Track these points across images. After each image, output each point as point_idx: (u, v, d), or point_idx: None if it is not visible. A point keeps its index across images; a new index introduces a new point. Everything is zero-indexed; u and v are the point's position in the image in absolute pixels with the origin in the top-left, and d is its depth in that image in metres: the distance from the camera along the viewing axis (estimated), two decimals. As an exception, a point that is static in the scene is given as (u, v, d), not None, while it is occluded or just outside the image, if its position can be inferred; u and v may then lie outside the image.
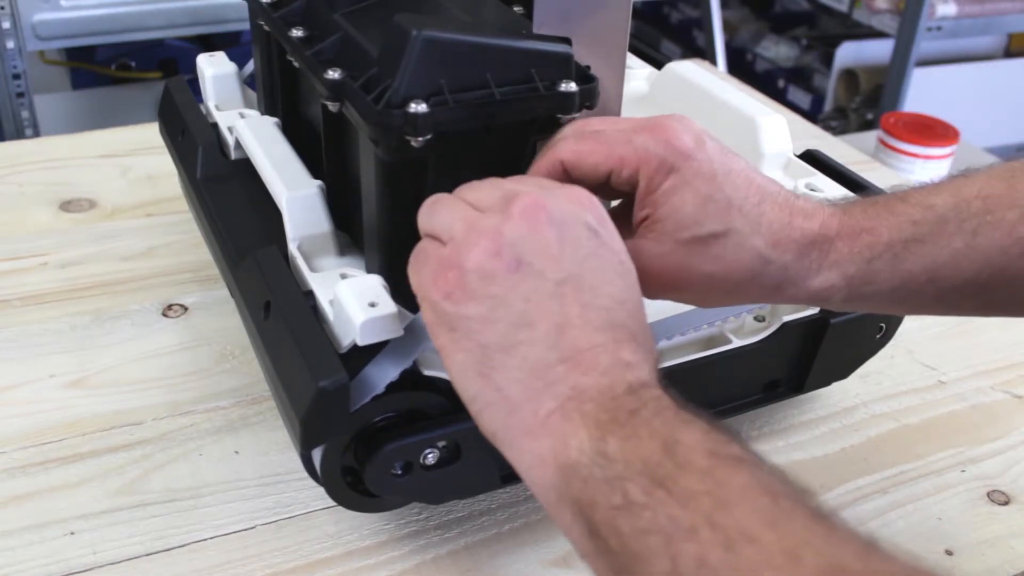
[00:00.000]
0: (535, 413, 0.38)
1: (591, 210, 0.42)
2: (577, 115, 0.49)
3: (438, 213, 0.43)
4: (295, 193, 0.57)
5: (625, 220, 0.48)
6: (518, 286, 0.39)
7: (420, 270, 0.42)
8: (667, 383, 0.40)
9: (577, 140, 0.47)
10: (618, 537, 0.35)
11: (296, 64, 0.56)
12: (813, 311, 0.62)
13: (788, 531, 0.32)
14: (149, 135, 0.93)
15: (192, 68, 0.77)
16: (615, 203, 0.51)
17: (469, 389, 0.41)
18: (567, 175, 0.47)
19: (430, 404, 0.52)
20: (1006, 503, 0.64)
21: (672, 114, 0.47)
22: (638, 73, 0.81)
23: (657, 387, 0.39)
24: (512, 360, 0.39)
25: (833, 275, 0.47)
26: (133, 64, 1.88)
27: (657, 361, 0.41)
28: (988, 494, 0.64)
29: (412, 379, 0.50)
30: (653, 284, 0.46)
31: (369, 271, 0.55)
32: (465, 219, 0.41)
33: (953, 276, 0.47)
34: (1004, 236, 0.46)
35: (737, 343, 0.60)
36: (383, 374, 0.49)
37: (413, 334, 0.49)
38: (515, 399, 0.39)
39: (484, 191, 0.43)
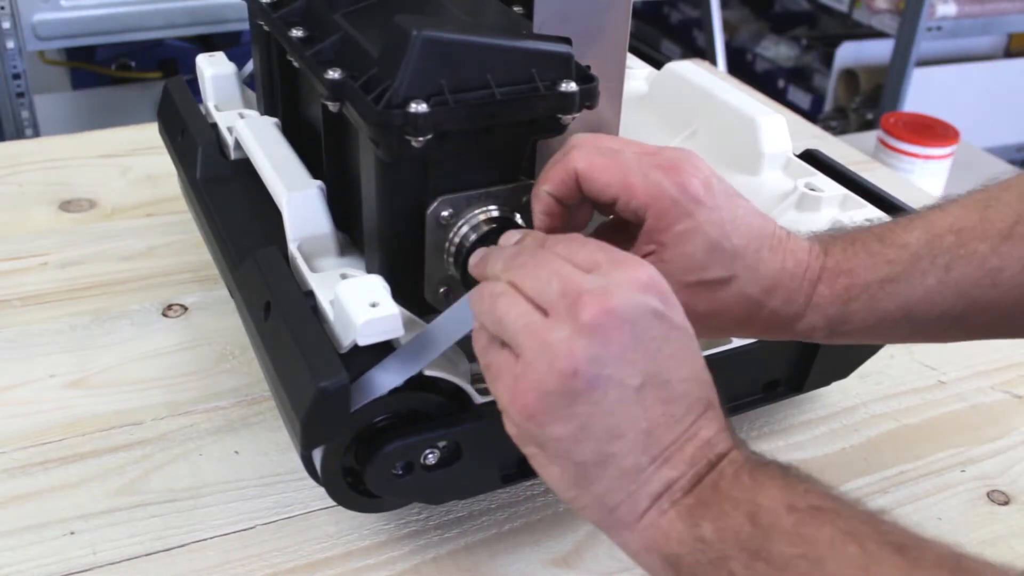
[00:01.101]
0: (632, 511, 0.41)
1: (655, 291, 0.41)
2: (577, 115, 0.49)
3: (499, 310, 0.42)
4: (295, 193, 0.57)
5: (618, 235, 0.49)
6: (601, 402, 0.40)
7: (495, 383, 0.42)
8: (733, 429, 0.42)
9: (593, 153, 0.47)
10: None
11: (296, 64, 0.56)
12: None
13: None
14: (149, 135, 0.93)
15: (192, 68, 0.77)
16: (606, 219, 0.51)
17: (566, 494, 0.42)
18: (578, 185, 0.47)
19: (431, 404, 0.52)
20: (1006, 503, 0.64)
21: (683, 151, 0.48)
22: (638, 73, 0.81)
23: (731, 447, 0.41)
24: (607, 472, 0.41)
25: (815, 317, 0.49)
26: (133, 64, 1.88)
27: (725, 411, 0.43)
28: (988, 494, 0.64)
29: (413, 379, 0.50)
30: None
31: (369, 271, 0.55)
32: (531, 330, 0.40)
33: (928, 311, 0.48)
34: (976, 269, 0.47)
35: (737, 343, 0.60)
36: (388, 379, 0.49)
37: (423, 345, 0.48)
38: (612, 503, 0.41)
39: (543, 281, 0.41)
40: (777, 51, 2.53)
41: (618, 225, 0.50)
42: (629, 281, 0.41)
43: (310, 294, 0.53)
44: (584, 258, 0.42)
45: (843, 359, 0.66)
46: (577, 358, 0.39)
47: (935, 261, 0.48)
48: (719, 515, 0.39)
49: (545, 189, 0.47)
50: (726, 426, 0.42)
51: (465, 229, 0.50)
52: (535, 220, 0.48)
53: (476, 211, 0.50)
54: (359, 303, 0.48)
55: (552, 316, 0.40)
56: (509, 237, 0.48)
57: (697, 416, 0.41)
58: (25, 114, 1.45)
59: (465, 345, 0.51)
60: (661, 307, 0.41)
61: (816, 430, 0.68)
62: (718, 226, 0.46)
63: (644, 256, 0.47)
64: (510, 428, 0.42)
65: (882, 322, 0.48)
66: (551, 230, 0.48)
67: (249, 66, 0.74)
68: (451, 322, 0.47)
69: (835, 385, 0.69)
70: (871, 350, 0.67)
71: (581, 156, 0.47)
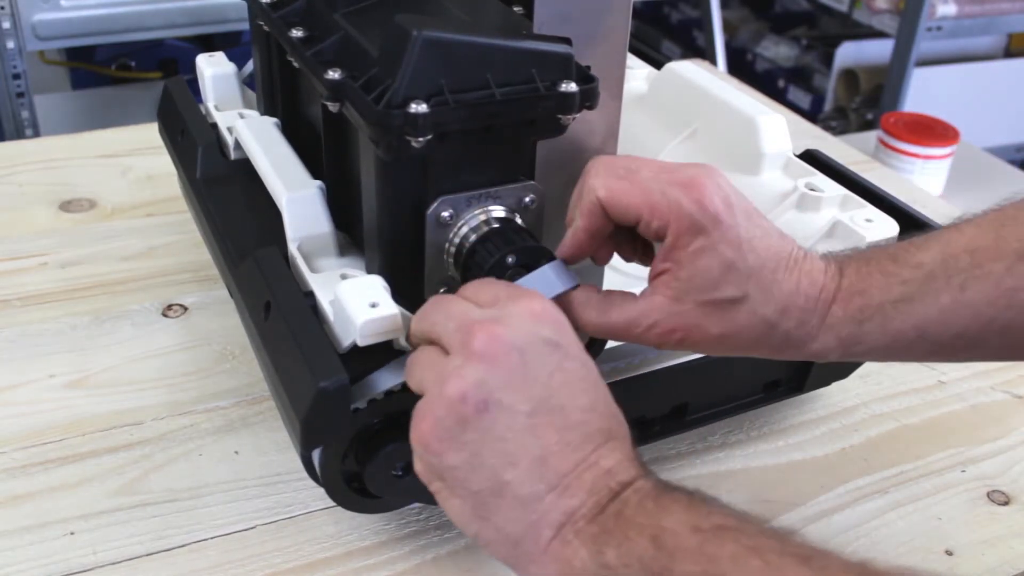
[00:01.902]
0: (536, 543, 0.41)
1: (548, 321, 0.43)
2: (577, 115, 0.49)
3: (410, 362, 0.45)
4: (295, 193, 0.57)
5: (627, 247, 0.50)
6: (491, 428, 0.41)
7: (412, 425, 0.43)
8: (640, 460, 0.43)
9: (611, 178, 0.47)
10: None
11: (296, 64, 0.56)
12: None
13: None
14: (149, 135, 0.93)
15: (192, 68, 0.77)
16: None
17: (470, 530, 0.43)
18: (605, 213, 0.48)
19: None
20: (1006, 503, 0.64)
21: (702, 166, 0.48)
22: (638, 73, 0.81)
23: (636, 476, 0.41)
24: (504, 501, 0.41)
25: (828, 338, 0.48)
26: (133, 64, 1.88)
27: (631, 442, 0.43)
28: (988, 494, 0.64)
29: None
30: (664, 339, 0.48)
31: (369, 271, 0.55)
32: (431, 366, 0.43)
33: (942, 331, 0.48)
34: (992, 289, 0.47)
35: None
36: (386, 380, 0.49)
37: None
38: (515, 535, 0.41)
39: (441, 323, 0.44)
40: (777, 51, 2.53)
41: (627, 237, 0.51)
42: (521, 312, 0.42)
43: (310, 294, 0.53)
44: (485, 296, 0.44)
45: (843, 359, 0.66)
46: (465, 383, 0.40)
47: (950, 281, 0.47)
48: (623, 540, 0.39)
49: (579, 226, 0.48)
50: (632, 455, 0.42)
51: (465, 229, 0.50)
52: (565, 251, 0.49)
53: (476, 211, 0.50)
54: (359, 303, 0.48)
55: (450, 352, 0.42)
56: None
57: (596, 445, 0.41)
58: (25, 114, 1.45)
59: None
60: (554, 336, 0.42)
61: (816, 430, 0.68)
62: (734, 245, 0.46)
63: (658, 274, 0.48)
64: (417, 465, 0.44)
65: (896, 342, 0.48)
66: (579, 258, 0.50)
67: (249, 66, 0.74)
68: None
69: (835, 385, 0.69)
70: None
71: (600, 184, 0.47)
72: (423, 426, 0.41)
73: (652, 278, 0.48)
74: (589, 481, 0.41)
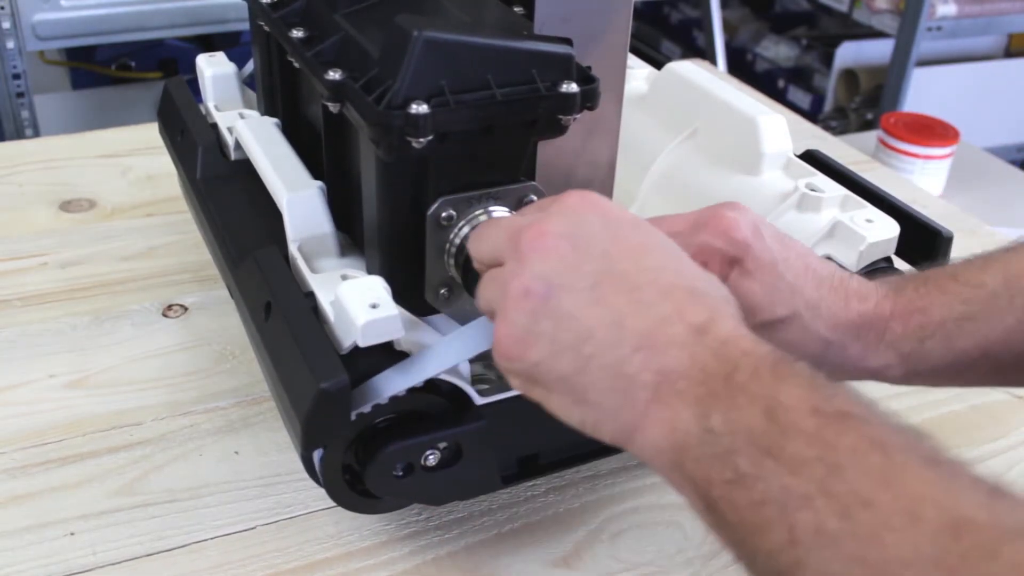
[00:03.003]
0: (634, 409, 0.39)
1: (589, 204, 0.43)
2: (578, 115, 0.49)
3: (480, 293, 0.45)
4: (295, 194, 0.57)
5: None
6: (559, 311, 0.40)
7: (493, 345, 0.43)
8: (749, 327, 0.39)
9: None
10: (734, 511, 0.35)
11: (296, 65, 0.56)
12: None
13: (904, 489, 0.31)
14: (149, 135, 0.93)
15: (192, 68, 0.77)
16: None
17: (576, 420, 0.41)
18: None
19: (431, 406, 0.52)
20: (1006, 504, 0.63)
21: (726, 203, 0.48)
22: (638, 73, 0.81)
23: (744, 337, 0.38)
24: (592, 376, 0.39)
25: (889, 355, 0.48)
26: (133, 64, 1.88)
27: (735, 305, 0.41)
28: (988, 495, 0.64)
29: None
30: None
31: (370, 272, 0.55)
32: (493, 282, 0.43)
33: (1007, 351, 0.47)
34: None
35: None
36: (390, 385, 0.49)
37: (429, 359, 0.49)
38: (613, 406, 0.39)
39: (493, 239, 0.44)
40: (777, 51, 2.53)
41: None
42: (561, 207, 0.42)
43: (310, 295, 0.53)
44: (531, 209, 0.45)
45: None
46: (523, 279, 0.40)
47: (1013, 301, 0.47)
48: (731, 406, 0.36)
49: None
50: (734, 316, 0.40)
51: (466, 230, 0.50)
52: None
53: (477, 212, 0.50)
54: (359, 304, 0.48)
55: (505, 262, 0.42)
56: None
57: (679, 302, 0.39)
58: (25, 114, 1.44)
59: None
60: (599, 217, 0.42)
61: (816, 430, 0.68)
62: (770, 268, 0.47)
63: None
64: (513, 382, 0.43)
65: (959, 361, 0.48)
66: None
67: (249, 66, 0.74)
68: (465, 338, 0.48)
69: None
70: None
71: None
72: (500, 337, 0.41)
73: None
74: (678, 335, 0.38)
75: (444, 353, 0.48)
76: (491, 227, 0.45)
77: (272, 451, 0.63)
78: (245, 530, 0.58)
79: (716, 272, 0.47)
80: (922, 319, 0.48)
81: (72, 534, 0.57)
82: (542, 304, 0.40)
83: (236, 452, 0.63)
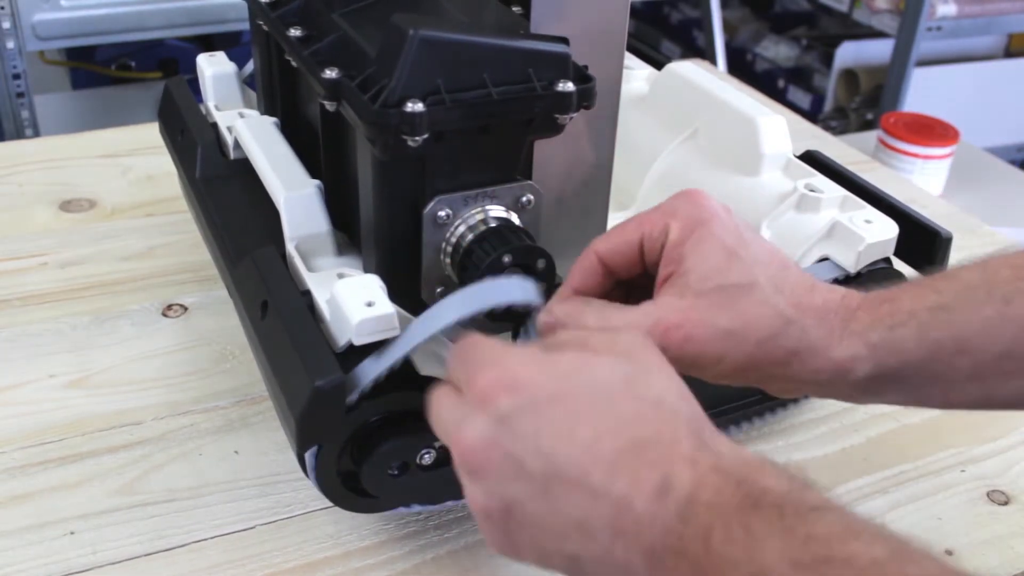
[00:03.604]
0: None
1: (510, 391, 0.38)
2: (574, 114, 0.49)
3: (434, 405, 0.42)
4: (293, 193, 0.58)
5: (641, 295, 0.47)
6: (525, 519, 0.38)
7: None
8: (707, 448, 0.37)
9: (607, 233, 0.48)
10: None
11: (294, 64, 0.56)
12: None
13: None
14: (149, 135, 0.93)
15: (192, 68, 0.78)
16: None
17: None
18: (605, 268, 0.47)
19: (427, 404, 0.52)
20: (1006, 503, 0.64)
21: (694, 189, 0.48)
22: (638, 74, 0.81)
23: (704, 485, 0.36)
24: (590, 569, 0.38)
25: (856, 343, 0.45)
26: (133, 64, 1.88)
27: (686, 423, 0.38)
28: (988, 494, 0.64)
29: (408, 379, 0.50)
30: (668, 337, 0.44)
31: (366, 271, 0.55)
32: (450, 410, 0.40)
33: (986, 347, 0.44)
34: None
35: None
36: (369, 372, 0.48)
37: (400, 339, 0.48)
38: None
39: (445, 419, 0.41)
40: (777, 51, 2.52)
41: (641, 287, 0.48)
42: (481, 402, 0.38)
43: (307, 293, 0.53)
44: (461, 370, 0.41)
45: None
46: (478, 500, 0.39)
47: (992, 292, 0.44)
48: None
49: (570, 284, 0.48)
50: (694, 445, 0.37)
51: (462, 229, 0.50)
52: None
53: (473, 211, 0.50)
54: (355, 302, 0.48)
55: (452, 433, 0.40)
56: None
57: (629, 471, 0.36)
58: (25, 114, 1.45)
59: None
60: (516, 401, 0.38)
61: (816, 430, 0.68)
62: (735, 236, 0.45)
63: (663, 280, 0.46)
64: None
65: (934, 356, 0.44)
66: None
67: (249, 66, 0.74)
68: (433, 315, 0.46)
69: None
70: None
71: (597, 241, 0.47)
72: (492, 546, 0.40)
73: (658, 286, 0.46)
74: (646, 513, 0.36)
75: (414, 331, 0.47)
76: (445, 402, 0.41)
77: (272, 451, 0.63)
78: (245, 530, 0.58)
79: (679, 229, 0.45)
80: (891, 307, 0.45)
81: (72, 534, 0.57)
82: (507, 520, 0.38)
83: (236, 452, 0.63)
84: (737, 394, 0.64)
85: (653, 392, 0.38)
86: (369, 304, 0.48)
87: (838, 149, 1.06)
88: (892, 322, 0.45)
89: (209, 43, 1.82)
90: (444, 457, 0.52)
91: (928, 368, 0.45)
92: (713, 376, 0.46)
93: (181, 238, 0.84)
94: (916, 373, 0.45)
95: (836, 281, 0.60)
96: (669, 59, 0.80)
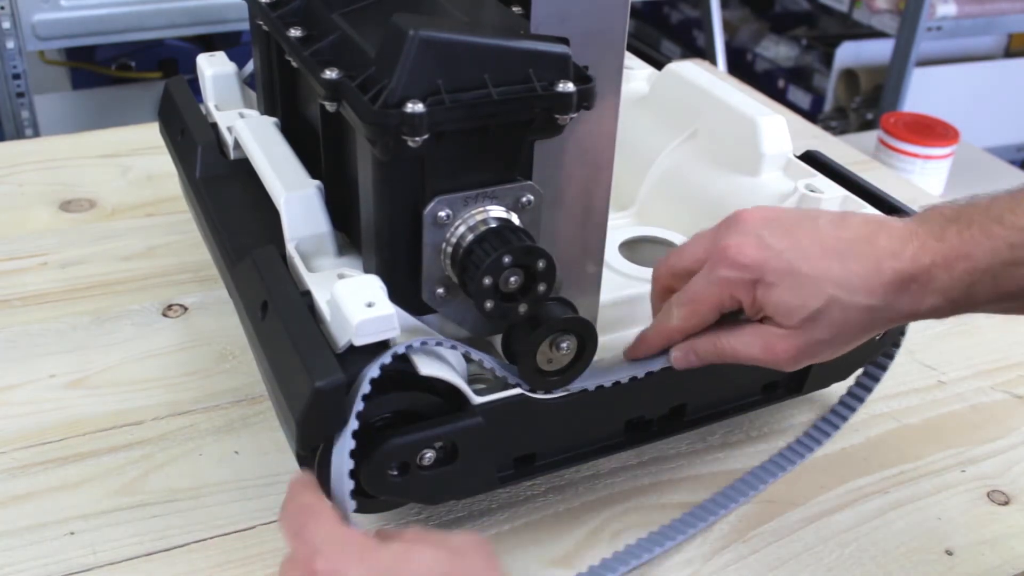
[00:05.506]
0: None
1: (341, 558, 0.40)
2: (574, 115, 0.49)
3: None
4: (293, 193, 0.58)
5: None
6: None
7: None
8: None
9: (679, 312, 0.53)
10: None
11: (294, 64, 0.56)
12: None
13: None
14: (149, 135, 0.93)
15: (192, 68, 0.78)
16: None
17: None
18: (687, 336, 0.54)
19: (427, 404, 0.52)
20: (1006, 503, 0.64)
21: (726, 222, 0.52)
22: (638, 74, 0.81)
23: None
24: None
25: (938, 299, 0.49)
26: (133, 64, 1.88)
27: None
28: (988, 494, 0.64)
29: (408, 379, 0.50)
30: (787, 357, 0.51)
31: (367, 271, 0.55)
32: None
33: None
34: None
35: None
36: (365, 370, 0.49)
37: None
38: None
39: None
40: (777, 51, 2.52)
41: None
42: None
43: (307, 294, 0.53)
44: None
45: (842, 361, 0.66)
46: None
47: None
48: None
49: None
50: None
51: (462, 229, 0.50)
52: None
53: (473, 211, 0.50)
54: (355, 303, 0.48)
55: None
56: None
57: None
58: (25, 114, 1.45)
59: (478, 344, 0.51)
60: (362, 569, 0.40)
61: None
62: (787, 269, 0.50)
63: (760, 321, 0.52)
64: None
65: (1004, 301, 0.49)
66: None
67: (249, 66, 0.74)
68: None
69: (835, 386, 0.69)
70: (870, 353, 0.67)
71: (676, 324, 0.54)
72: None
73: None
74: None
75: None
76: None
77: (272, 451, 0.64)
78: (245, 530, 0.58)
79: (742, 297, 0.51)
80: (968, 265, 0.48)
81: (72, 534, 0.57)
82: None
83: (236, 452, 0.63)
84: (737, 394, 0.64)
85: None
86: (369, 304, 0.48)
87: (838, 149, 1.07)
88: (970, 280, 0.48)
89: (209, 43, 1.82)
90: (444, 457, 0.52)
91: (999, 306, 0.50)
92: (828, 358, 0.53)
93: (181, 238, 0.84)
94: (989, 311, 0.51)
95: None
96: (669, 59, 0.80)
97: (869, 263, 0.49)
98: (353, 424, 0.47)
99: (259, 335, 0.53)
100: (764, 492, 0.63)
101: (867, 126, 2.18)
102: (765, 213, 0.52)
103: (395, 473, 0.52)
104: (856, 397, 0.68)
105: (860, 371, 0.68)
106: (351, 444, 0.47)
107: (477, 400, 0.52)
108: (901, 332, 0.66)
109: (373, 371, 0.48)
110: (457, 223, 0.50)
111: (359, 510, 0.55)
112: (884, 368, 0.68)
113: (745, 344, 0.52)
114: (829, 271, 0.49)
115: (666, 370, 0.56)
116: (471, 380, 0.53)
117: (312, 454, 0.50)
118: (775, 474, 0.64)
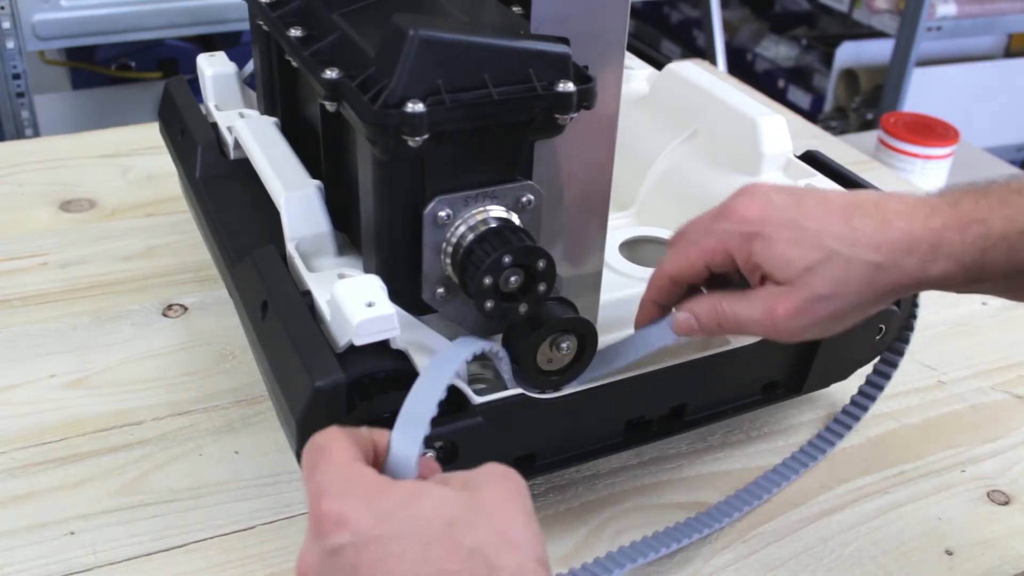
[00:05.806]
0: None
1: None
2: (574, 115, 0.49)
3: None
4: (293, 193, 0.58)
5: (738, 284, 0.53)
6: None
7: None
8: None
9: (669, 254, 0.53)
10: None
11: (294, 64, 0.56)
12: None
13: None
14: (149, 135, 0.93)
15: (192, 68, 0.78)
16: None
17: None
18: (677, 286, 0.54)
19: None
20: (1006, 503, 0.64)
21: (743, 189, 0.52)
22: (638, 74, 0.81)
23: None
24: None
25: (949, 264, 0.48)
26: (133, 64, 1.88)
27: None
28: (988, 494, 0.64)
29: (409, 379, 0.50)
30: (786, 315, 0.49)
31: (367, 271, 0.55)
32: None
33: None
34: None
35: (735, 344, 0.60)
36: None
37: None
38: None
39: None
40: (777, 51, 2.53)
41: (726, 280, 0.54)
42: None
43: (307, 294, 0.53)
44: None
45: (842, 361, 0.66)
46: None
47: None
48: None
49: (648, 298, 0.55)
50: None
51: (463, 229, 0.50)
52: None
53: (474, 211, 0.50)
54: (355, 302, 0.48)
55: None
56: None
57: None
58: (25, 114, 1.45)
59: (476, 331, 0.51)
60: (336, 542, 0.38)
61: (816, 430, 0.68)
62: (788, 226, 0.49)
63: (757, 283, 0.51)
64: None
65: (1019, 271, 0.48)
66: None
67: (250, 66, 0.74)
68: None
69: (835, 386, 0.69)
70: (870, 353, 0.67)
71: (666, 264, 0.53)
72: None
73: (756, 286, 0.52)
74: None
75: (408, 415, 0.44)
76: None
77: (272, 451, 0.64)
78: (245, 530, 0.58)
79: (739, 251, 0.50)
80: (982, 230, 0.47)
81: (72, 534, 0.57)
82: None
83: (236, 452, 0.63)
84: (737, 394, 0.64)
85: (470, 540, 0.37)
86: (369, 304, 0.48)
87: (838, 149, 1.07)
88: (984, 245, 0.47)
89: (209, 43, 1.82)
90: (444, 457, 0.52)
91: (1012, 279, 0.49)
92: (832, 328, 0.51)
93: (181, 238, 0.84)
94: (1002, 284, 0.49)
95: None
96: (669, 59, 0.80)
97: (876, 220, 0.48)
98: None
99: (259, 335, 0.53)
100: (764, 492, 0.63)
101: (867, 126, 2.18)
102: (777, 184, 0.52)
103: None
104: (868, 396, 0.68)
105: (868, 371, 0.68)
106: None
107: (477, 400, 0.52)
108: (907, 328, 0.66)
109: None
110: (457, 223, 0.50)
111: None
112: (894, 365, 0.67)
113: (745, 307, 0.51)
114: (831, 226, 0.49)
115: (666, 370, 0.56)
116: (471, 380, 0.53)
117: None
118: (796, 471, 0.64)
